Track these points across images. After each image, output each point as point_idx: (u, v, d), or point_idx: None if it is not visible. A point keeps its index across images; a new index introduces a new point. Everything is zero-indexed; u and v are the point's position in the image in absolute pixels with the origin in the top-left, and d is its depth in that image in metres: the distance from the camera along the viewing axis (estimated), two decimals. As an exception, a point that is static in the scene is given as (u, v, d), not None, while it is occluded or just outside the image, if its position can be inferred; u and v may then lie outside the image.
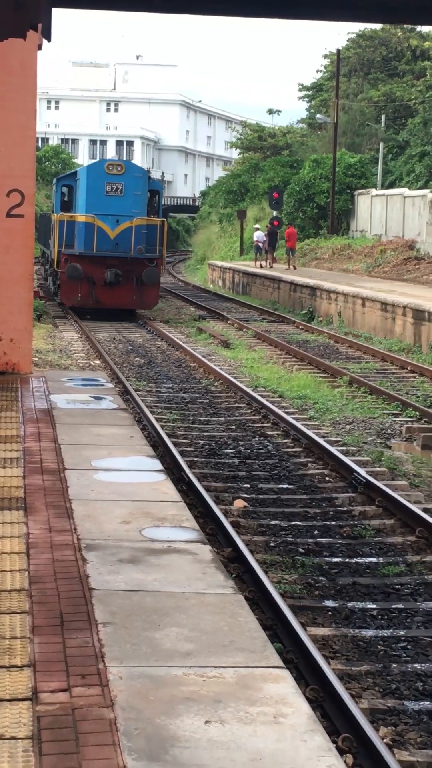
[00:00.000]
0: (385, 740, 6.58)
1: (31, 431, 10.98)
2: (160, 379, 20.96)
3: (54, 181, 38.31)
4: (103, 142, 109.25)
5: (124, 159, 41.27)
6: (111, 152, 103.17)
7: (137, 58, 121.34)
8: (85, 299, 32.11)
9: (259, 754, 4.48)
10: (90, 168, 34.14)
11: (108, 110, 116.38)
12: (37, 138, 16.18)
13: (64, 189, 34.81)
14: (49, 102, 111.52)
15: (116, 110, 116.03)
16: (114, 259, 31.97)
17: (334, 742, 5.59)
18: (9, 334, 14.52)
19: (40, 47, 14.18)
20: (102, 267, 31.75)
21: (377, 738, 6.35)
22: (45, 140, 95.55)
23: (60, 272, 32.71)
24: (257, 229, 50.69)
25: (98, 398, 13.70)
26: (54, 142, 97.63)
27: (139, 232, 32.08)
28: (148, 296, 32.95)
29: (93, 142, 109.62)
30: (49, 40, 14.32)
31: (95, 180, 32.15)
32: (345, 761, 5.59)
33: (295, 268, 45.28)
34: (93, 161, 36.61)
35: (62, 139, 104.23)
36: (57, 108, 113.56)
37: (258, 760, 4.42)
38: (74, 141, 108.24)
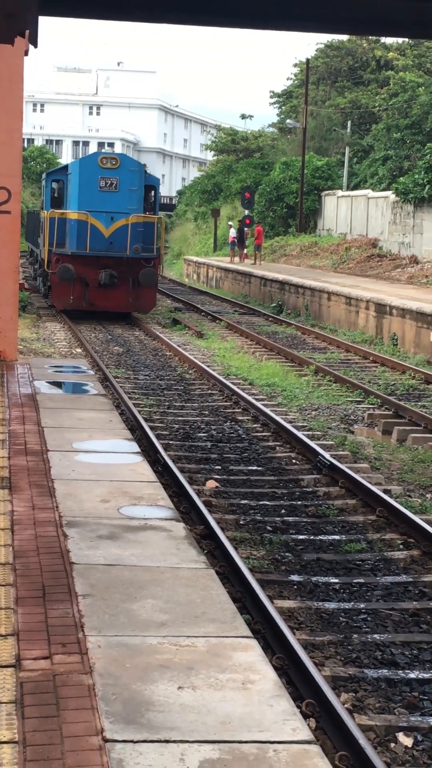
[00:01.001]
0: (345, 705, 6.61)
1: (16, 415, 10.95)
2: (137, 367, 20.94)
3: (43, 176, 33.49)
4: (86, 144, 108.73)
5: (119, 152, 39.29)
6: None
7: (118, 64, 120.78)
8: (77, 302, 28.15)
9: (228, 717, 4.49)
10: (82, 162, 29.26)
11: (90, 113, 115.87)
12: (24, 139, 15.95)
13: (54, 184, 30.31)
14: (34, 105, 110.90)
15: (98, 113, 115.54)
16: (108, 259, 27.91)
17: (298, 707, 5.61)
18: (-4, 324, 14.49)
19: (26, 53, 14.11)
20: (96, 268, 27.81)
21: (338, 703, 6.38)
22: (31, 141, 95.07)
23: (51, 273, 28.68)
24: (231, 226, 50.76)
25: (79, 384, 13.67)
26: (39, 142, 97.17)
27: (135, 230, 27.98)
28: (145, 298, 28.96)
29: (76, 143, 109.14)
30: (35, 46, 14.21)
31: (88, 175, 27.88)
32: (308, 725, 5.61)
33: (254, 262, 45.80)
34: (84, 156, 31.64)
35: (47, 140, 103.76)
36: (42, 111, 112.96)
37: (227, 723, 4.44)
38: (58, 142, 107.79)
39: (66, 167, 30.89)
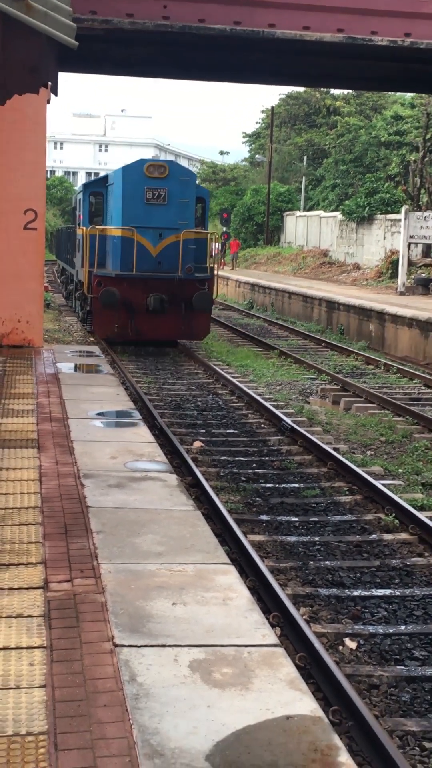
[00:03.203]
0: (304, 617, 6.64)
1: (42, 390, 10.92)
2: (138, 352, 20.86)
3: (79, 188, 24.42)
4: (96, 174, 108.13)
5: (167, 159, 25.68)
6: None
7: (122, 111, 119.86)
8: (122, 330, 19.93)
9: (212, 627, 4.51)
10: (126, 170, 20.07)
11: (100, 150, 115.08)
12: (47, 170, 15.31)
13: (93, 198, 21.98)
14: (55, 143, 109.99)
15: (106, 150, 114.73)
16: (157, 282, 19.63)
17: (266, 618, 5.64)
18: (26, 318, 14.42)
19: (48, 101, 13.99)
20: (143, 291, 19.59)
21: (298, 615, 6.41)
22: (52, 173, 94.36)
23: (92, 298, 20.31)
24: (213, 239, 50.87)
25: (93, 365, 13.62)
26: (59, 174, 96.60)
27: (186, 247, 19.88)
28: (199, 325, 20.33)
29: (89, 174, 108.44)
30: (56, 95, 14.14)
31: (133, 185, 19.65)
32: (275, 632, 5.64)
33: (231, 268, 46.10)
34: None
35: (65, 172, 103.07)
36: (61, 148, 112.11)
37: (211, 631, 4.46)
38: (74, 173, 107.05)
39: (106, 178, 22.07)
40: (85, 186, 22.41)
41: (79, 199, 23.10)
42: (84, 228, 21.48)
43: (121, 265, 19.71)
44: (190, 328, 20.20)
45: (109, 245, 20.58)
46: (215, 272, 20.97)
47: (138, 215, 19.59)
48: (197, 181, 19.03)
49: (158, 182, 19.58)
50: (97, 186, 22.01)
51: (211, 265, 20.53)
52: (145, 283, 19.60)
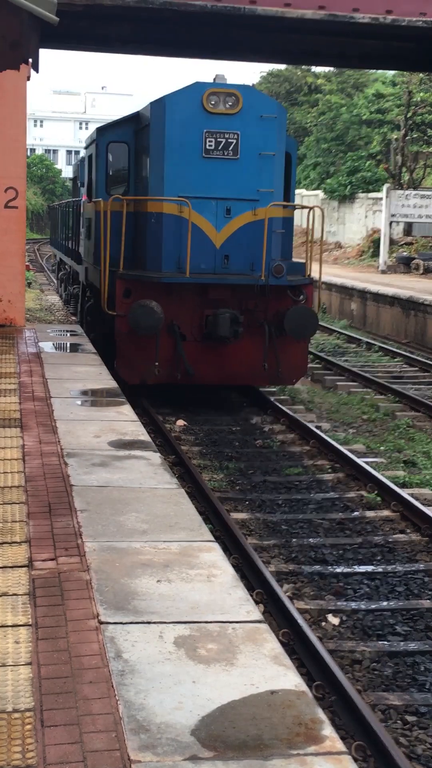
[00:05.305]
0: (287, 594, 6.68)
1: (25, 369, 10.88)
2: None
3: (89, 137, 15.07)
4: (77, 153, 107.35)
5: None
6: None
7: (102, 88, 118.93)
8: (168, 370, 12.01)
9: (196, 603, 4.53)
10: (171, 102, 11.61)
11: (80, 128, 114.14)
12: (27, 148, 14.68)
13: (112, 153, 13.16)
14: (35, 121, 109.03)
15: (86, 128, 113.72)
16: (225, 290, 11.84)
17: (251, 595, 5.67)
18: (7, 297, 14.34)
19: (29, 78, 13.86)
20: (199, 306, 11.90)
21: (282, 592, 6.46)
22: (32, 150, 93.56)
23: (116, 317, 11.90)
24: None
25: (75, 345, 13.58)
26: (39, 152, 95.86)
27: (273, 232, 11.86)
28: (290, 361, 12.35)
29: (69, 152, 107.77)
30: (37, 71, 14.01)
31: (184, 127, 11.60)
32: (259, 609, 5.67)
33: None
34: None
35: (45, 150, 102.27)
36: (41, 126, 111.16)
37: (196, 608, 4.48)
38: (55, 151, 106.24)
39: (136, 117, 13.01)
40: (100, 132, 13.47)
41: (90, 156, 14.50)
42: (100, 201, 13.05)
43: (163, 263, 11.85)
44: (276, 364, 12.17)
45: (142, 229, 12.34)
46: (319, 273, 13.66)
47: (192, 178, 11.66)
48: None
49: (226, 122, 11.58)
50: (121, 132, 13.17)
51: (308, 261, 12.53)
52: (204, 292, 11.88)
